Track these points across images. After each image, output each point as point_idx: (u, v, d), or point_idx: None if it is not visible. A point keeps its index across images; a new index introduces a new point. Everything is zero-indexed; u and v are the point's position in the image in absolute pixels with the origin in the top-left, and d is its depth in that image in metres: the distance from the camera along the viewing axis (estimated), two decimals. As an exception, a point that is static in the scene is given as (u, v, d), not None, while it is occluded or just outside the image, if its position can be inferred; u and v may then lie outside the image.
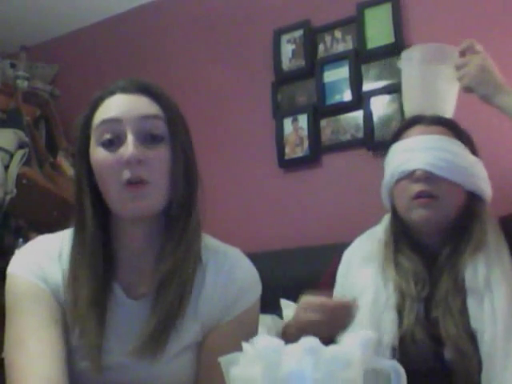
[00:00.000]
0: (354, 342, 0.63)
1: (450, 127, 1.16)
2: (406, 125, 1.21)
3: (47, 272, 0.93)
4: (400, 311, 1.08)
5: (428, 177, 1.10)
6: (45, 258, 0.94)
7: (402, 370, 0.66)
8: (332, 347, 0.61)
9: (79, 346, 0.90)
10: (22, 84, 2.23)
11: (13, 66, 2.31)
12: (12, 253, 1.00)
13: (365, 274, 1.16)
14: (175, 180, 0.92)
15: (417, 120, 1.19)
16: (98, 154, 0.90)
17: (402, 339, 1.04)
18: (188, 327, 0.93)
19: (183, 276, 0.92)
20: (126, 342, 0.91)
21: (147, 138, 0.90)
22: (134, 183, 0.88)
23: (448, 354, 1.02)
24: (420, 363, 1.02)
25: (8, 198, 1.91)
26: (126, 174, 0.88)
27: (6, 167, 1.94)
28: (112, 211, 0.93)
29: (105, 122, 0.90)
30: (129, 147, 0.87)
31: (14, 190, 1.91)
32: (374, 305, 1.09)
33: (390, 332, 1.04)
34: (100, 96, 0.94)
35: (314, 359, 0.59)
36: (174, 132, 0.93)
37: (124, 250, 0.96)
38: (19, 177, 1.94)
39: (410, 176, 1.12)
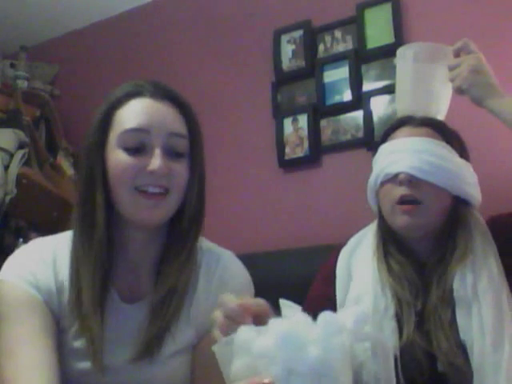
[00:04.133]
0: (346, 313, 0.63)
1: (439, 129, 1.14)
2: (394, 126, 1.19)
3: (39, 278, 0.92)
4: (399, 320, 1.07)
5: (411, 180, 1.08)
6: (37, 264, 0.93)
7: (387, 345, 0.66)
8: (324, 313, 0.61)
9: (77, 347, 0.90)
10: (22, 84, 2.24)
11: (13, 66, 2.31)
12: (12, 253, 0.99)
13: (362, 278, 1.15)
14: (190, 194, 0.96)
15: (405, 121, 1.17)
16: (118, 156, 0.91)
17: (401, 349, 1.03)
18: (182, 331, 0.93)
19: (183, 287, 0.94)
20: (119, 345, 0.91)
21: (171, 153, 0.93)
22: (156, 193, 0.90)
23: (441, 366, 1.01)
24: (417, 374, 1.02)
25: (8, 198, 1.91)
26: (141, 181, 0.90)
27: (6, 167, 1.94)
28: (120, 213, 0.93)
29: (133, 130, 0.91)
30: (157, 160, 0.90)
31: (14, 190, 1.91)
32: (374, 312, 1.07)
33: (391, 342, 1.03)
34: (126, 93, 0.94)
35: (308, 321, 0.59)
36: (195, 151, 0.97)
37: (122, 253, 0.97)
38: (19, 177, 1.94)
39: (394, 179, 1.10)
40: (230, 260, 1.03)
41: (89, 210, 0.92)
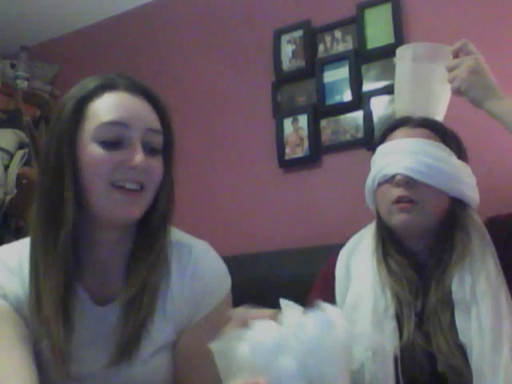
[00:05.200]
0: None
1: (436, 130, 1.13)
2: (391, 127, 1.18)
3: (6, 288, 0.89)
4: (399, 319, 1.07)
5: (408, 182, 1.08)
6: (3, 273, 0.90)
7: (385, 345, 0.65)
8: (314, 313, 0.60)
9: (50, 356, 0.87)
10: (22, 84, 2.24)
11: (13, 66, 2.31)
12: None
13: (362, 278, 1.14)
14: (162, 191, 0.94)
15: (403, 122, 1.16)
16: (93, 149, 0.87)
17: (402, 349, 1.03)
18: (159, 329, 0.91)
19: (154, 283, 0.91)
20: (95, 349, 0.88)
21: (147, 149, 0.90)
22: (132, 189, 0.88)
23: (441, 367, 1.01)
24: (417, 374, 1.02)
25: (8, 198, 1.91)
26: (119, 176, 0.87)
27: (6, 167, 1.94)
28: (91, 211, 0.90)
29: (111, 123, 0.88)
30: (139, 155, 0.87)
31: (14, 190, 1.91)
32: (374, 312, 1.08)
33: (392, 342, 1.03)
34: (99, 85, 0.91)
35: (300, 324, 0.58)
36: (168, 148, 0.95)
37: (91, 253, 0.94)
38: (19, 177, 1.94)
39: (391, 180, 1.10)
40: (203, 251, 1.00)
41: (55, 206, 0.87)
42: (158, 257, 0.93)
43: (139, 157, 0.87)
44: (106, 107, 0.89)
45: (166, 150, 0.95)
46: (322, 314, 0.59)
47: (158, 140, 0.92)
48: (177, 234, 1.00)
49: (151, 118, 0.92)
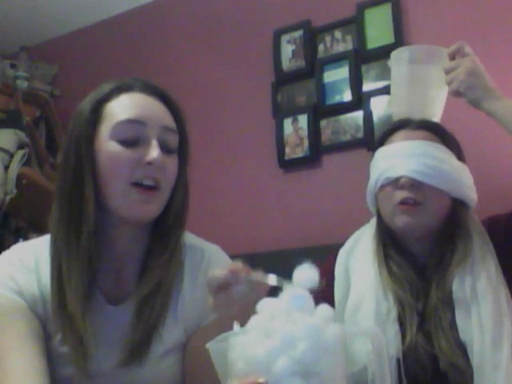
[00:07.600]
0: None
1: (436, 132, 1.14)
2: (391, 129, 1.18)
3: (22, 285, 0.89)
4: (401, 322, 1.07)
5: (413, 184, 1.08)
6: (20, 271, 0.91)
7: (381, 336, 0.66)
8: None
9: (64, 352, 0.88)
10: (22, 84, 2.24)
11: (13, 66, 2.31)
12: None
13: (363, 281, 1.15)
14: (177, 191, 0.95)
15: (402, 124, 1.17)
16: (113, 148, 0.88)
17: (405, 351, 1.04)
18: (170, 331, 0.92)
19: (168, 284, 0.92)
20: (107, 348, 0.89)
21: (163, 148, 0.91)
22: (147, 187, 0.89)
23: (442, 366, 1.02)
24: (419, 374, 1.03)
25: (8, 198, 1.91)
26: (138, 174, 0.88)
27: (6, 167, 1.95)
28: (109, 209, 0.91)
29: (128, 121, 0.89)
30: (154, 151, 0.88)
31: (14, 190, 1.92)
32: (377, 316, 1.08)
33: (394, 345, 1.04)
34: (116, 87, 0.93)
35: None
36: (183, 148, 0.96)
37: (107, 252, 0.94)
38: (19, 177, 1.95)
39: (395, 183, 1.10)
40: (215, 254, 1.01)
41: (76, 205, 0.89)
42: (172, 256, 0.93)
43: (155, 152, 0.88)
44: (123, 107, 0.91)
45: (181, 150, 0.96)
46: (309, 320, 0.59)
47: (173, 140, 0.94)
48: (190, 238, 1.01)
49: (166, 118, 0.94)
